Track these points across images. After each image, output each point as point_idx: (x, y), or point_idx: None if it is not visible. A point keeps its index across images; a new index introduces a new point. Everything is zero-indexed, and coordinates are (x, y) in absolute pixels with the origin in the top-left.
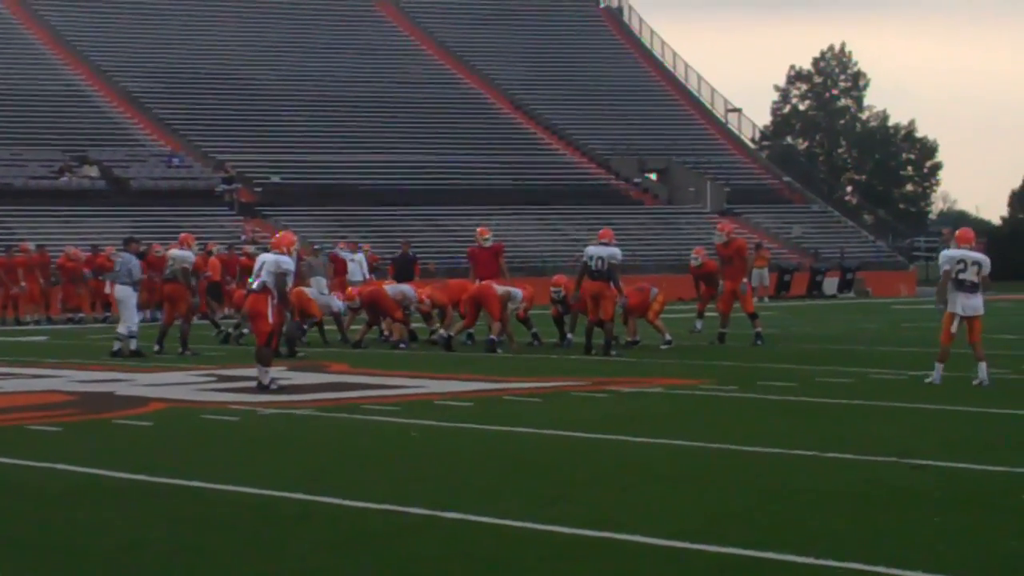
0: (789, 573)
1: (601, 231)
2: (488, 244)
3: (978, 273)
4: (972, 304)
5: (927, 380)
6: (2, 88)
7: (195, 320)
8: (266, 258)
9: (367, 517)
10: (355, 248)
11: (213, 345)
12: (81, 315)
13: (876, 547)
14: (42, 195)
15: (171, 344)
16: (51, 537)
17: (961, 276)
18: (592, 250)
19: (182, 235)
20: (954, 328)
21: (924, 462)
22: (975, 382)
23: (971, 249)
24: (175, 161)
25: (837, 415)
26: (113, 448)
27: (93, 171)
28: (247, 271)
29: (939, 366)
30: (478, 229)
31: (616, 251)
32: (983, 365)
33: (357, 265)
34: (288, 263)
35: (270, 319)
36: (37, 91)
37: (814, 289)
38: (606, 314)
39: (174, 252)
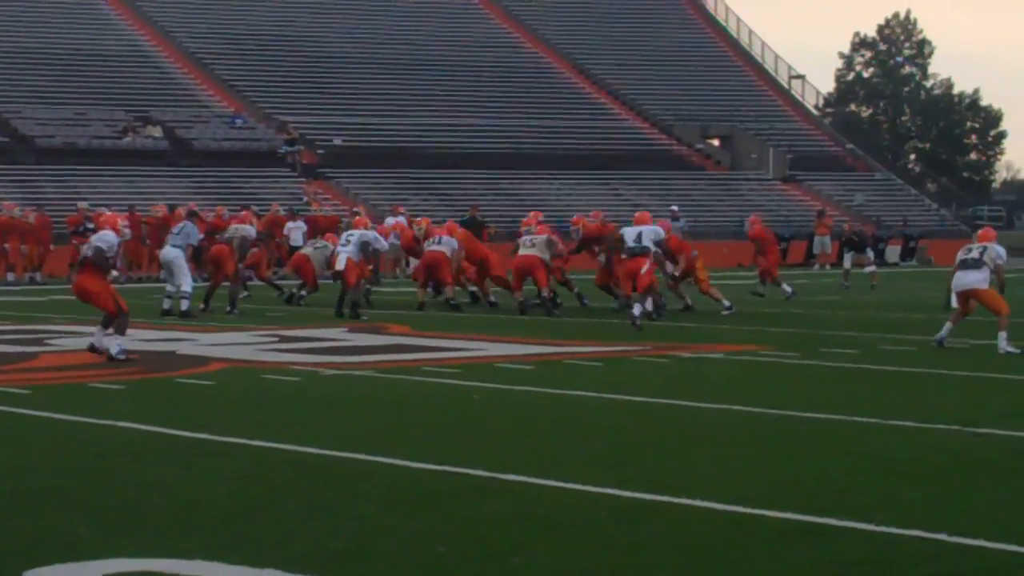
0: (850, 540)
1: (637, 215)
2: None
3: (981, 254)
4: (961, 280)
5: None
6: (67, 48)
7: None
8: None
9: (428, 478)
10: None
11: (275, 306)
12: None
13: (938, 515)
14: (105, 155)
15: (218, 304)
16: (112, 494)
17: (963, 257)
18: (629, 231)
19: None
20: (952, 302)
21: (986, 431)
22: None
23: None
24: (238, 122)
25: (899, 382)
26: (174, 407)
27: (156, 131)
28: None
29: (946, 325)
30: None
31: (659, 228)
32: (1001, 334)
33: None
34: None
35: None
36: (101, 51)
37: (876, 257)
38: (642, 285)
39: (238, 226)
